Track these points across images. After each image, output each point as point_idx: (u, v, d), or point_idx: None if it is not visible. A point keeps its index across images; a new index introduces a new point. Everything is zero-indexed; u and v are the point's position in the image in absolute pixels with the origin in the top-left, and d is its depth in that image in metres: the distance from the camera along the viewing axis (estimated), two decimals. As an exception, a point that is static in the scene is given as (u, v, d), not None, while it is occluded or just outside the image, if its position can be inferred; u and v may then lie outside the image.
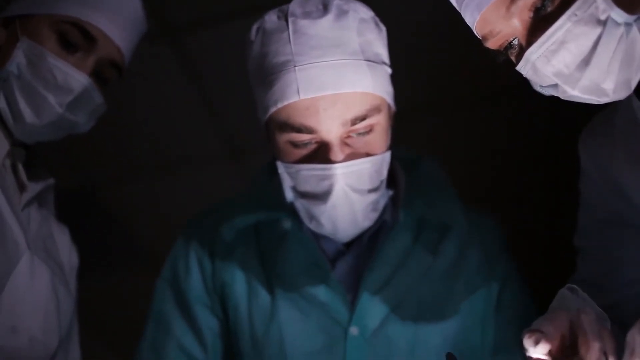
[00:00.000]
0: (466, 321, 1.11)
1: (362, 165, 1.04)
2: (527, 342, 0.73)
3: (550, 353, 0.73)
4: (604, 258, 1.08)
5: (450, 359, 0.85)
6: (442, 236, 1.15)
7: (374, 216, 1.11)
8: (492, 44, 0.86)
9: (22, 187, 1.05)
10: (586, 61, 0.77)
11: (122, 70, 1.09)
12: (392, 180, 1.15)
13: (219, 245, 1.16)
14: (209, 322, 1.14)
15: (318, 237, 1.13)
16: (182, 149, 1.58)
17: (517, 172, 1.55)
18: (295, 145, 1.05)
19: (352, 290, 1.11)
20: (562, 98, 0.82)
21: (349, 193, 1.04)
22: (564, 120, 1.11)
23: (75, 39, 1.03)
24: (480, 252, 1.16)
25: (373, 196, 1.08)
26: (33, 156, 1.10)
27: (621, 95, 0.80)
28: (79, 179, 1.64)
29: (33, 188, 1.05)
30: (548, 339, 0.73)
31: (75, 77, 1.02)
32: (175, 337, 1.13)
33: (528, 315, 1.14)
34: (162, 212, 1.37)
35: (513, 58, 0.85)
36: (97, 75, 1.06)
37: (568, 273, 1.16)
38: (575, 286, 0.80)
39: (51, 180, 1.11)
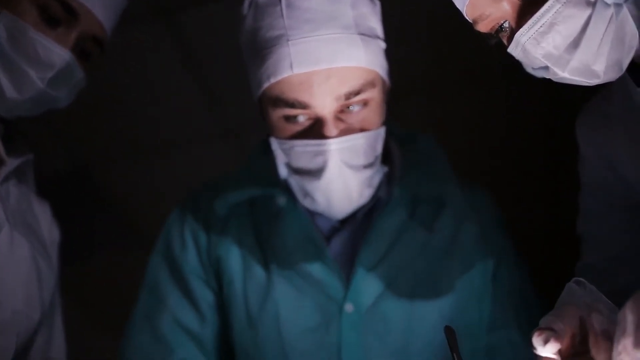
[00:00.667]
0: (462, 297, 1.11)
1: (357, 140, 1.04)
2: (537, 341, 0.70)
3: (559, 352, 0.71)
4: (609, 242, 1.08)
5: (449, 332, 0.85)
6: (437, 212, 1.14)
7: (368, 193, 1.10)
8: (482, 27, 0.86)
9: (0, 162, 1.04)
10: (576, 43, 0.77)
11: (104, 45, 1.08)
12: (386, 156, 1.14)
13: (214, 220, 1.15)
14: (205, 295, 1.13)
15: (313, 214, 1.13)
16: (177, 129, 1.57)
17: (515, 155, 1.55)
18: (289, 120, 1.04)
19: (347, 267, 1.11)
20: (554, 80, 0.82)
21: (343, 169, 1.03)
22: (563, 103, 1.10)
23: (57, 13, 1.01)
24: (476, 227, 1.15)
25: (368, 172, 1.07)
26: (13, 131, 1.09)
27: (612, 76, 0.79)
28: (74, 159, 1.63)
29: (11, 163, 1.05)
30: (558, 337, 0.70)
31: (56, 52, 1.01)
32: (170, 309, 1.12)
33: (524, 290, 1.14)
34: (157, 192, 1.36)
35: (504, 40, 0.85)
36: (79, 50, 1.05)
37: (566, 257, 1.15)
38: (583, 280, 0.78)
39: (30, 156, 1.10)
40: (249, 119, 1.16)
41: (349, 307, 1.08)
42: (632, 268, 1.06)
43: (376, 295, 1.09)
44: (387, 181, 1.15)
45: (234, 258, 1.12)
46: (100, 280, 1.50)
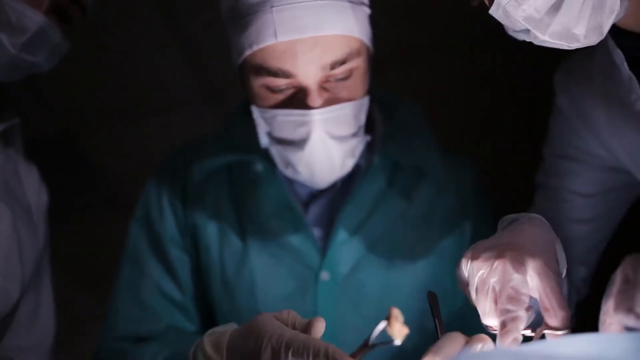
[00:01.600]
0: (438, 265, 1.12)
1: (341, 111, 1.02)
2: None
3: None
4: (557, 193, 1.09)
5: (431, 298, 0.86)
6: (417, 181, 1.14)
7: (351, 163, 1.09)
8: None
9: None
10: (557, 6, 0.76)
11: (86, 8, 1.04)
12: (369, 124, 1.13)
13: (191, 187, 1.15)
14: (183, 263, 1.14)
15: (291, 181, 1.13)
16: (160, 94, 1.55)
17: (498, 122, 1.54)
18: (272, 90, 1.02)
19: (324, 234, 1.11)
20: (535, 43, 0.81)
21: (326, 140, 1.02)
22: (547, 68, 1.09)
23: None
24: (455, 195, 1.16)
25: (351, 142, 1.06)
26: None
27: (592, 40, 0.79)
28: (58, 124, 1.61)
29: None
30: None
31: (29, 16, 0.97)
32: (151, 278, 1.12)
33: None
34: (141, 157, 1.35)
35: (486, 2, 0.83)
36: (58, 13, 1.01)
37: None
38: None
39: (15, 120, 1.07)
40: (231, 84, 1.14)
41: (324, 275, 1.08)
42: (574, 221, 1.07)
43: (352, 264, 1.09)
44: (368, 149, 1.14)
45: (210, 225, 1.12)
46: (83, 244, 1.49)
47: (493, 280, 0.76)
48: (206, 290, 1.13)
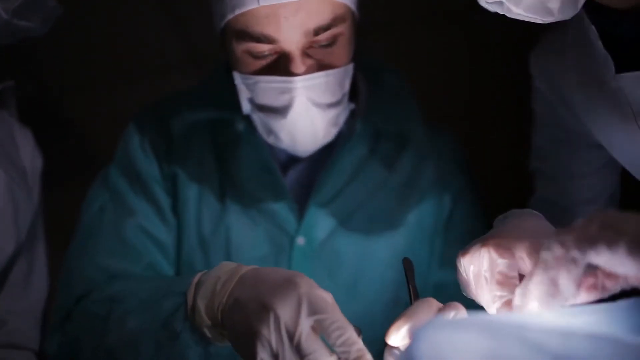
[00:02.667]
0: (415, 235, 1.13)
1: (325, 78, 1.01)
2: None
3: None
4: (560, 177, 1.10)
5: (406, 264, 0.86)
6: (399, 149, 1.14)
7: (334, 131, 1.09)
8: None
9: None
10: None
11: None
12: (353, 92, 1.12)
13: (173, 137, 1.13)
14: (167, 202, 1.11)
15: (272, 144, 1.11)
16: (147, 58, 1.54)
17: (481, 93, 1.53)
18: (254, 55, 1.01)
19: (303, 199, 1.11)
20: (508, 16, 0.80)
21: (310, 108, 1.01)
22: (526, 40, 1.08)
23: None
24: (436, 167, 1.16)
25: (335, 110, 1.05)
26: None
27: (566, 14, 0.78)
28: (42, 88, 1.59)
29: None
30: None
31: None
32: (134, 216, 1.09)
33: (478, 234, 1.15)
34: (126, 122, 1.34)
35: None
36: None
37: (525, 193, 1.16)
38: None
39: (10, 82, 1.07)
40: (217, 48, 1.12)
41: (300, 240, 1.08)
42: (581, 202, 1.08)
43: (329, 230, 1.09)
44: (351, 116, 1.13)
45: (191, 178, 1.11)
46: (67, 209, 1.49)
47: (484, 269, 0.76)
48: (179, 243, 1.12)
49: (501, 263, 0.75)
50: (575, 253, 0.60)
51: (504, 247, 0.75)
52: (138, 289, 0.93)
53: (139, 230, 1.08)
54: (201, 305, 0.77)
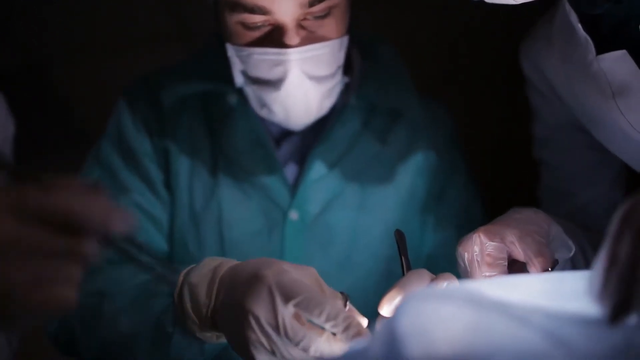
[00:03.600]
0: (408, 209, 1.13)
1: (319, 50, 1.01)
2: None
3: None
4: (565, 163, 1.11)
5: (399, 236, 0.87)
6: (392, 123, 1.14)
7: (328, 104, 1.08)
8: None
9: None
10: None
11: None
12: (347, 65, 1.12)
13: (165, 110, 1.12)
14: (160, 177, 1.11)
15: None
16: (134, 28, 1.52)
17: (476, 69, 1.53)
18: (247, 27, 1.00)
19: (296, 173, 1.11)
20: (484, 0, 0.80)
21: (304, 80, 1.00)
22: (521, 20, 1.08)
23: None
24: (429, 141, 1.16)
25: (329, 83, 1.05)
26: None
27: None
28: (27, 58, 1.57)
29: None
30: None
31: None
32: (128, 192, 1.08)
33: (470, 210, 1.16)
34: (113, 93, 1.33)
35: None
36: None
37: (521, 174, 1.17)
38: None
39: None
40: (207, 21, 1.11)
41: (293, 215, 1.08)
42: (589, 187, 1.09)
43: (322, 204, 1.10)
44: (345, 89, 1.13)
45: (182, 152, 1.10)
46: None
47: (475, 254, 0.80)
48: (171, 218, 1.12)
49: (490, 246, 0.79)
50: None
51: (493, 232, 0.80)
52: (127, 285, 0.94)
53: (134, 207, 1.08)
54: (189, 308, 0.79)
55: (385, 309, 0.74)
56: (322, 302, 0.71)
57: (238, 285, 0.74)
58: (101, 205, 0.50)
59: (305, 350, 0.71)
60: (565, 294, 0.63)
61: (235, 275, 0.76)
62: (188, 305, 0.78)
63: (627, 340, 0.58)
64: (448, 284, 0.76)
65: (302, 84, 1.01)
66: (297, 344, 0.71)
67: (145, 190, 1.10)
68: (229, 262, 0.80)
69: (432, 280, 0.76)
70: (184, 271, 0.82)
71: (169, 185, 1.11)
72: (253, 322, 0.71)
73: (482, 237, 0.79)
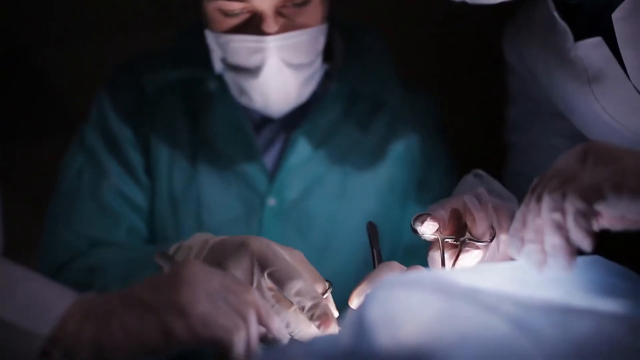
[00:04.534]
0: (387, 198, 1.13)
1: (298, 38, 1.01)
2: (415, 224, 0.77)
3: (440, 232, 0.77)
4: (533, 149, 1.11)
5: (370, 228, 0.87)
6: (374, 111, 1.14)
7: (307, 92, 1.08)
8: None
9: None
10: None
11: None
12: (329, 51, 1.12)
13: (145, 96, 1.12)
14: (141, 164, 1.11)
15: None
16: (119, 14, 1.51)
17: (460, 57, 1.52)
18: (225, 13, 1.00)
19: (275, 160, 1.11)
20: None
21: (282, 68, 1.01)
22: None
23: None
24: (411, 129, 1.16)
25: (308, 71, 1.05)
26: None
27: None
28: (8, 41, 1.56)
29: None
30: (435, 218, 0.77)
31: None
32: (111, 180, 1.09)
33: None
34: (96, 78, 1.32)
35: None
36: None
37: (499, 155, 1.17)
38: (481, 171, 0.83)
39: None
40: (191, 5, 1.10)
41: (271, 201, 1.09)
42: None
43: (300, 191, 1.10)
44: (327, 76, 1.12)
45: (162, 137, 1.10)
46: (33, 163, 1.48)
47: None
48: (152, 202, 1.12)
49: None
50: (581, 205, 0.60)
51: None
52: (117, 260, 0.95)
53: (117, 194, 1.09)
54: None
55: (355, 302, 0.75)
56: (295, 277, 0.72)
57: (224, 250, 0.76)
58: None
59: None
60: (533, 282, 0.64)
61: (223, 243, 0.78)
62: None
63: (595, 328, 0.59)
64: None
65: (280, 71, 1.01)
66: None
67: (127, 177, 1.10)
68: (217, 237, 0.81)
69: (403, 272, 0.77)
70: (176, 245, 0.82)
71: (149, 171, 1.11)
72: None
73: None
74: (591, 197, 0.59)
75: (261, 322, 0.67)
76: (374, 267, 0.80)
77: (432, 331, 0.56)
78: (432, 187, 1.16)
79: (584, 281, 0.66)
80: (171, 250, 0.82)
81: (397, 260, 0.85)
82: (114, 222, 1.07)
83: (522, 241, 0.66)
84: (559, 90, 0.97)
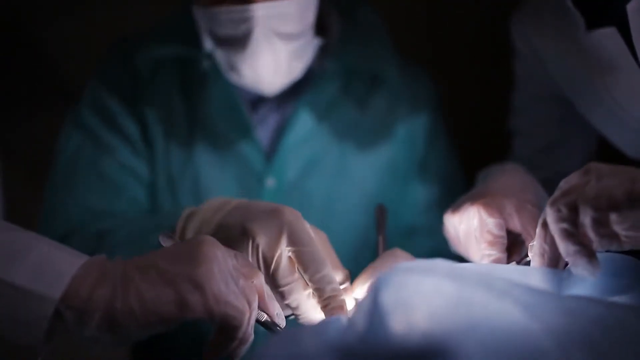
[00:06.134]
0: (387, 178, 1.13)
1: (285, 7, 0.97)
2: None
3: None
4: (537, 135, 1.11)
5: (379, 212, 0.87)
6: (371, 88, 1.13)
7: (299, 66, 1.05)
8: None
9: None
10: None
11: None
12: (324, 28, 1.10)
13: (140, 75, 1.10)
14: (140, 136, 1.10)
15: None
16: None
17: (460, 36, 1.52)
18: None
19: (272, 140, 1.10)
20: None
21: (271, 37, 0.98)
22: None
23: None
24: (409, 108, 1.15)
25: (298, 42, 1.02)
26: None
27: None
28: (7, 13, 1.53)
29: None
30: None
31: None
32: (111, 153, 1.08)
33: (451, 177, 1.17)
34: (89, 47, 1.30)
35: None
36: None
37: (497, 135, 1.17)
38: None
39: None
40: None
41: (269, 182, 1.09)
42: (560, 158, 1.10)
43: (299, 171, 1.10)
44: (322, 53, 1.11)
45: (158, 116, 1.09)
46: (27, 134, 1.47)
47: (474, 229, 0.79)
48: (151, 186, 1.11)
49: (490, 222, 0.78)
50: (595, 214, 0.61)
51: (493, 207, 0.78)
52: (125, 225, 0.94)
53: (117, 166, 1.08)
54: (189, 235, 0.77)
55: (358, 291, 0.75)
56: (321, 263, 0.70)
57: (250, 213, 0.73)
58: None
59: (284, 297, 0.71)
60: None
61: (250, 206, 0.75)
62: (189, 233, 0.77)
63: (604, 315, 0.60)
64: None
65: (269, 41, 0.98)
66: (279, 287, 0.70)
67: (127, 149, 1.09)
68: (239, 200, 0.78)
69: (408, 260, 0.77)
70: (189, 209, 0.80)
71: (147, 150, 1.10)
72: (250, 246, 0.70)
73: (482, 212, 0.78)
74: (604, 205, 0.60)
75: (262, 307, 0.67)
76: (378, 254, 0.80)
77: (444, 317, 0.57)
78: (432, 166, 1.16)
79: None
80: (185, 212, 0.80)
81: (396, 241, 0.86)
82: (115, 193, 1.07)
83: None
84: (568, 78, 0.97)
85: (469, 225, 0.79)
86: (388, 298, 0.57)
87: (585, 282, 0.66)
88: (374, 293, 0.58)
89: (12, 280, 0.59)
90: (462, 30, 1.46)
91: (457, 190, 0.96)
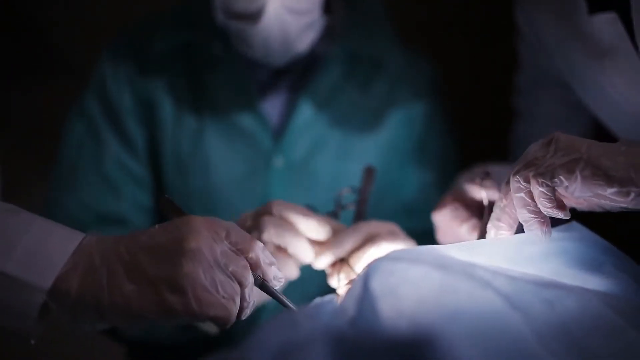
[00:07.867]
0: (388, 157, 1.16)
1: None
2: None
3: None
4: (538, 116, 1.13)
5: (367, 172, 0.89)
6: (374, 72, 1.16)
7: (307, 39, 1.08)
8: None
9: None
10: None
11: None
12: (330, 8, 1.12)
13: (148, 62, 1.12)
14: (142, 135, 1.13)
15: (250, 65, 1.11)
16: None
17: (462, 21, 1.52)
18: None
19: (280, 121, 1.13)
20: None
21: (283, 13, 1.00)
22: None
23: None
24: (409, 90, 1.18)
25: (308, 17, 1.04)
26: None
27: None
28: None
29: None
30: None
31: None
32: (112, 152, 1.11)
33: (450, 157, 1.19)
34: (88, 23, 1.30)
35: None
36: None
37: (501, 120, 1.20)
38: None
39: None
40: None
41: (277, 162, 1.12)
42: None
43: (306, 151, 1.13)
44: (327, 36, 1.13)
45: (166, 102, 1.12)
46: (25, 106, 1.47)
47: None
48: (158, 168, 1.14)
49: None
50: (541, 188, 0.65)
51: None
52: None
53: (118, 166, 1.11)
54: None
55: (318, 264, 0.83)
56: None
57: None
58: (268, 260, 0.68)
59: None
60: (523, 258, 0.68)
61: None
62: None
63: (580, 306, 0.63)
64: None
65: (281, 16, 1.00)
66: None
67: (125, 148, 1.12)
68: None
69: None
70: None
71: (154, 136, 1.13)
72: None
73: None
74: (547, 180, 0.65)
75: (260, 273, 0.67)
76: (355, 216, 0.86)
77: (431, 304, 0.60)
78: (431, 146, 1.19)
79: (571, 257, 0.69)
80: None
81: (396, 220, 0.89)
82: (117, 195, 1.10)
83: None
84: (568, 61, 0.97)
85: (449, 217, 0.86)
86: (378, 284, 0.60)
87: (564, 255, 0.69)
88: (364, 279, 0.61)
89: (3, 269, 0.60)
90: (462, 15, 1.46)
91: (453, 173, 0.99)
